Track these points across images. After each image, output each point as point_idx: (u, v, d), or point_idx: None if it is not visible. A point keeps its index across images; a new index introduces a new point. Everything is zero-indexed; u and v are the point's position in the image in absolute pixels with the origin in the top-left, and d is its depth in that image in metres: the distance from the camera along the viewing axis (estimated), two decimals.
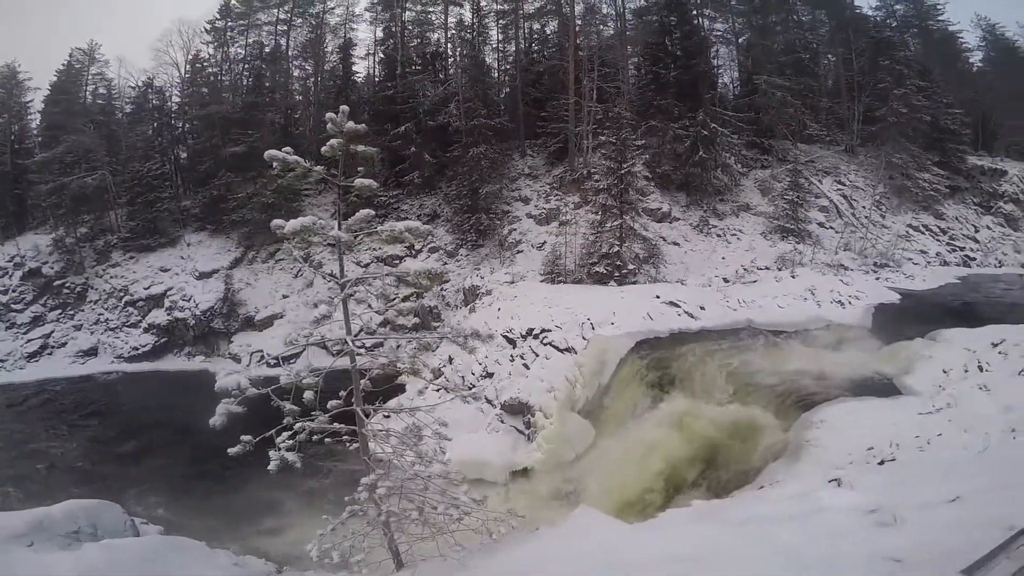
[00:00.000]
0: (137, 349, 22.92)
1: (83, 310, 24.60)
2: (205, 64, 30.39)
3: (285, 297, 24.36)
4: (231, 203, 25.62)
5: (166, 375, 21.85)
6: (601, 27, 29.74)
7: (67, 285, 25.09)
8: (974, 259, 23.87)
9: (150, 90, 30.71)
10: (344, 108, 5.27)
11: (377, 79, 30.11)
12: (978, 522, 3.49)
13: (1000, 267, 23.43)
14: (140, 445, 16.48)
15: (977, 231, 25.62)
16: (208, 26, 30.57)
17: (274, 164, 5.09)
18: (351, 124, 5.18)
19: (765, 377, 12.78)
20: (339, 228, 5.38)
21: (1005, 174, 27.57)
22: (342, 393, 5.87)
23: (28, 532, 5.43)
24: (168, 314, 23.31)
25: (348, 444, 6.04)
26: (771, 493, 6.59)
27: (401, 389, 15.53)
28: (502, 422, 13.20)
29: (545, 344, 14.37)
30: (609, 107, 23.71)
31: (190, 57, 30.23)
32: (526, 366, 14.09)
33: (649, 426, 11.72)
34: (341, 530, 5.76)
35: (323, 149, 5.22)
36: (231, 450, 5.09)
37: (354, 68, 31.01)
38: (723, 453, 10.47)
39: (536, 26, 31.42)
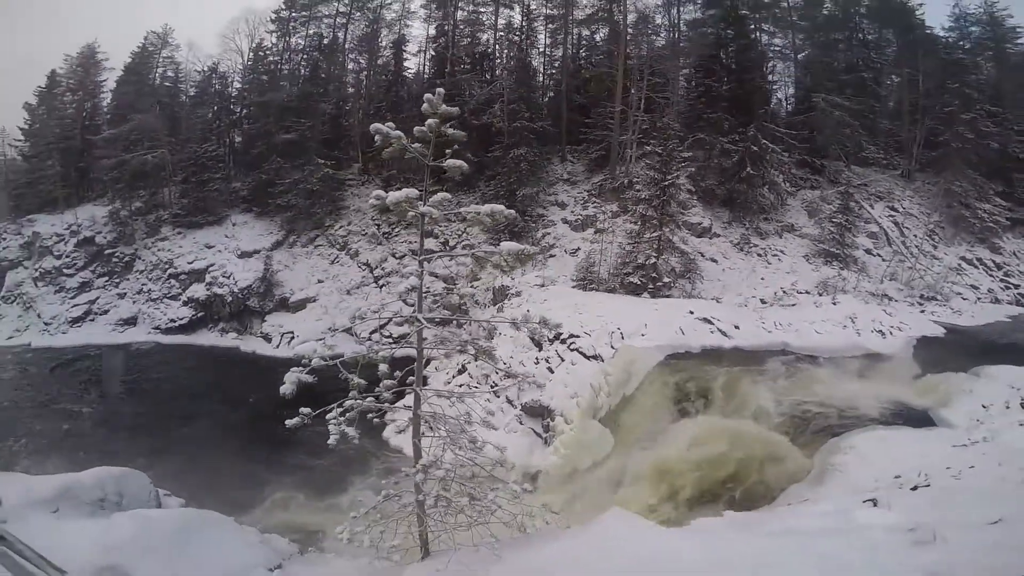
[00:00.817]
0: (174, 321, 23.80)
1: (128, 279, 25.77)
2: (267, 53, 31.54)
3: (320, 282, 24.97)
4: (278, 188, 26.45)
5: (198, 349, 22.64)
6: (653, 37, 29.44)
7: (117, 254, 26.36)
8: None
9: (214, 75, 32.07)
10: (440, 90, 5.47)
11: (426, 76, 30.61)
12: (1018, 543, 3.33)
13: None
14: (155, 413, 17.24)
15: None
16: (273, 15, 31.79)
17: (376, 136, 5.30)
18: (445, 107, 5.33)
19: (794, 401, 12.50)
20: (424, 205, 5.45)
21: None
22: (397, 373, 5.92)
23: (55, 498, 5.55)
24: (208, 289, 24.15)
25: (398, 422, 5.99)
26: (803, 509, 6.44)
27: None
28: (520, 423, 13.17)
29: (572, 349, 14.27)
30: (656, 117, 23.45)
31: (254, 45, 31.45)
32: (550, 370, 14.01)
33: (670, 440, 11.50)
34: (372, 514, 5.77)
35: (415, 129, 5.37)
36: (289, 422, 5.15)
37: (405, 64, 31.69)
38: (743, 473, 10.20)
39: (585, 32, 31.37)
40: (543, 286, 18.70)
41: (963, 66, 27.81)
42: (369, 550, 5.56)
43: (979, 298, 21.41)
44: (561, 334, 14.69)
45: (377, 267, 25.10)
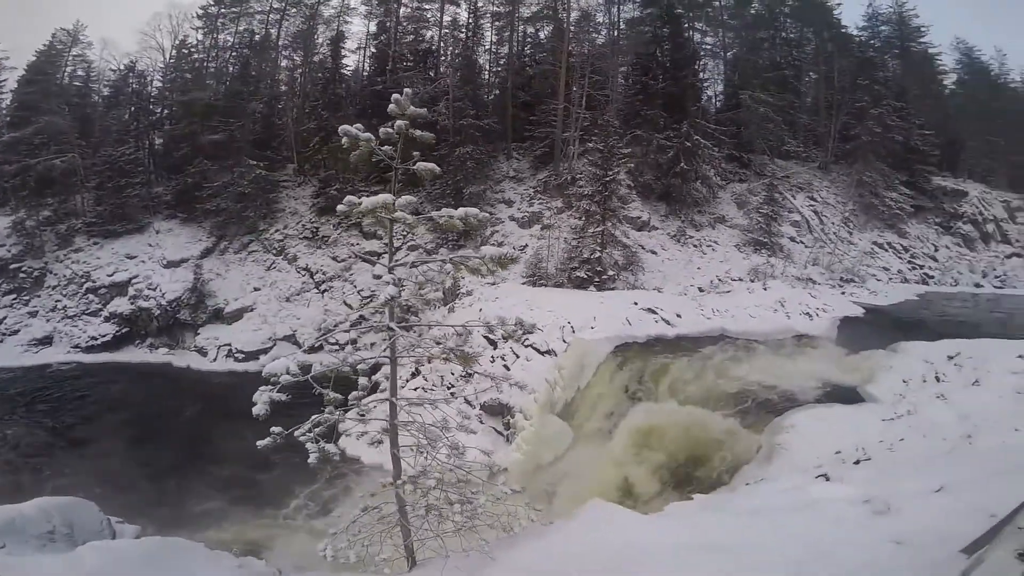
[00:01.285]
0: (96, 339, 21.93)
1: (39, 296, 23.42)
2: (192, 50, 29.79)
3: (256, 290, 23.86)
4: (205, 191, 25.06)
5: (126, 367, 21.02)
6: (594, 35, 30.09)
7: (24, 269, 23.91)
8: (932, 277, 25.01)
9: (131, 74, 29.91)
10: (408, 91, 5.29)
11: (366, 73, 29.87)
12: (966, 509, 3.69)
13: (955, 286, 24.60)
14: (80, 433, 16.15)
15: (936, 250, 26.78)
16: (200, 11, 30.19)
17: (344, 139, 5.09)
18: (413, 108, 5.19)
19: (737, 383, 13.11)
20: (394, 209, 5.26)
21: (966, 195, 28.85)
22: (367, 383, 5.72)
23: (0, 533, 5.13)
24: (132, 303, 22.49)
25: (370, 433, 5.79)
26: (765, 488, 6.79)
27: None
28: (481, 423, 13.20)
29: (526, 346, 14.43)
30: (597, 114, 23.99)
31: (177, 42, 29.70)
32: (506, 367, 14.10)
33: (626, 429, 11.88)
34: (352, 529, 5.60)
35: (382, 131, 5.18)
36: (260, 443, 4.85)
37: (344, 61, 30.76)
38: (697, 456, 10.68)
39: (531, 30, 31.71)
40: (494, 284, 18.76)
41: (873, 64, 30.16)
42: (355, 567, 5.38)
43: (891, 279, 23.51)
44: (516, 331, 14.78)
45: (318, 272, 24.30)
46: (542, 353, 14.28)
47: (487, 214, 5.70)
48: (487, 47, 32.07)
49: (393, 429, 5.69)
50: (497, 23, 31.41)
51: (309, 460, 5.08)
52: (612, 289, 19.20)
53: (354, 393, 5.56)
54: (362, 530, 5.56)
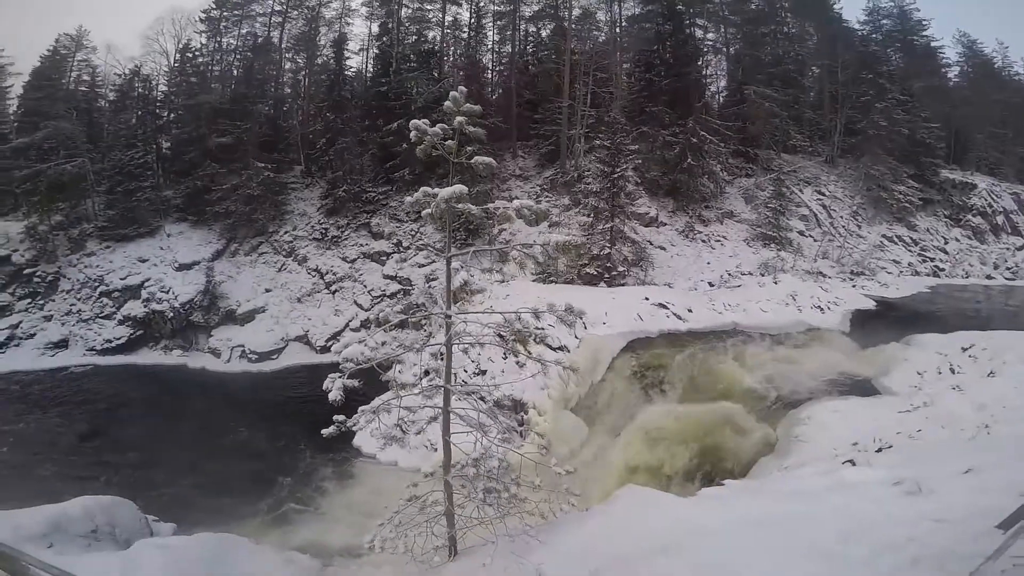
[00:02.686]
0: (111, 342, 22.16)
1: (54, 300, 23.65)
2: (196, 54, 30.02)
3: (268, 291, 24.08)
4: (215, 194, 25.24)
5: (141, 369, 21.27)
6: (595, 32, 30.16)
7: (38, 274, 24.13)
8: (943, 270, 24.94)
9: (136, 78, 30.09)
10: (462, 88, 5.50)
11: (369, 75, 30.02)
12: (996, 488, 3.75)
13: (967, 278, 24.53)
14: (96, 434, 16.39)
15: (946, 243, 26.72)
16: (203, 15, 30.39)
17: (412, 132, 5.31)
18: (469, 105, 5.36)
19: (751, 377, 13.19)
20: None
21: (974, 188, 28.77)
22: (428, 371, 5.87)
23: (46, 532, 5.24)
24: (145, 306, 22.70)
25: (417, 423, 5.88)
26: (796, 473, 6.84)
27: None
28: (493, 419, 13.24)
29: (538, 342, 14.41)
30: (602, 112, 23.99)
31: (180, 46, 29.88)
32: (519, 364, 14.16)
33: (640, 423, 11.94)
34: (395, 519, 5.70)
35: (439, 127, 5.36)
36: (325, 431, 5.03)
37: (347, 63, 30.94)
38: (712, 450, 10.73)
39: (533, 28, 31.81)
40: (504, 282, 18.83)
41: (876, 57, 30.11)
42: (396, 557, 5.47)
43: (901, 272, 23.48)
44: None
45: (328, 272, 24.47)
46: (554, 349, 14.27)
47: (543, 207, 5.84)
48: (489, 46, 32.34)
49: (446, 416, 5.81)
50: (499, 22, 31.66)
51: (378, 456, 5.23)
52: (622, 285, 19.23)
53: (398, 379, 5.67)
54: (403, 521, 5.65)
